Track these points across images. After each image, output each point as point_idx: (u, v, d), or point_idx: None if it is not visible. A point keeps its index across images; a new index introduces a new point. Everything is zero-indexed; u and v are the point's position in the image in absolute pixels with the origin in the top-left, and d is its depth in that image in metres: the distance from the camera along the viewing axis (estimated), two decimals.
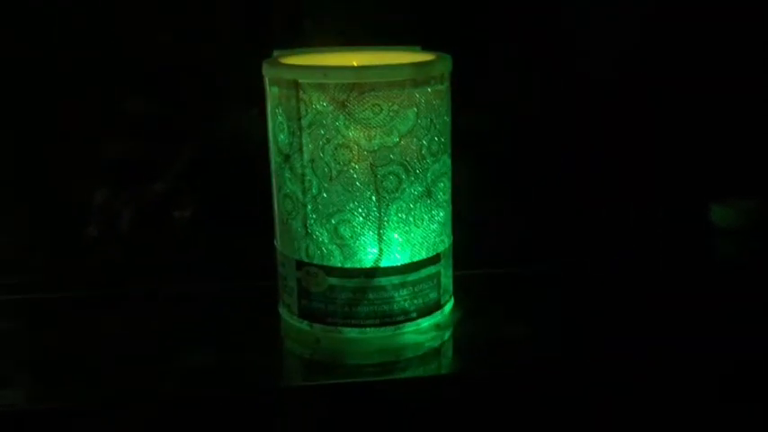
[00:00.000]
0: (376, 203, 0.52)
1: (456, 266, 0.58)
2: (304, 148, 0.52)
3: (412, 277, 0.54)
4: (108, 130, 0.69)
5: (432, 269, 0.55)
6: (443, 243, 0.56)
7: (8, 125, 0.68)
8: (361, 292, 0.53)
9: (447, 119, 0.54)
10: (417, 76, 0.51)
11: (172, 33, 0.68)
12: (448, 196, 0.56)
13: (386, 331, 0.54)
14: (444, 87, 0.53)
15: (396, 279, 0.53)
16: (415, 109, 0.51)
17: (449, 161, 0.55)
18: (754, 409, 0.54)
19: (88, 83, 0.67)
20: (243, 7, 0.68)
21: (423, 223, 0.54)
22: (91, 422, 0.51)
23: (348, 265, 0.53)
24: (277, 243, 0.57)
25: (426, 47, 0.58)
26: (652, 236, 0.72)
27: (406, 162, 0.52)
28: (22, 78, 0.67)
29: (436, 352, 0.55)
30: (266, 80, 0.54)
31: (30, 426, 0.50)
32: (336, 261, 0.53)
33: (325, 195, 0.52)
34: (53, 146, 0.68)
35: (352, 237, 0.53)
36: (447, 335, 0.57)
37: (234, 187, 0.69)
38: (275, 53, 0.57)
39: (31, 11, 0.66)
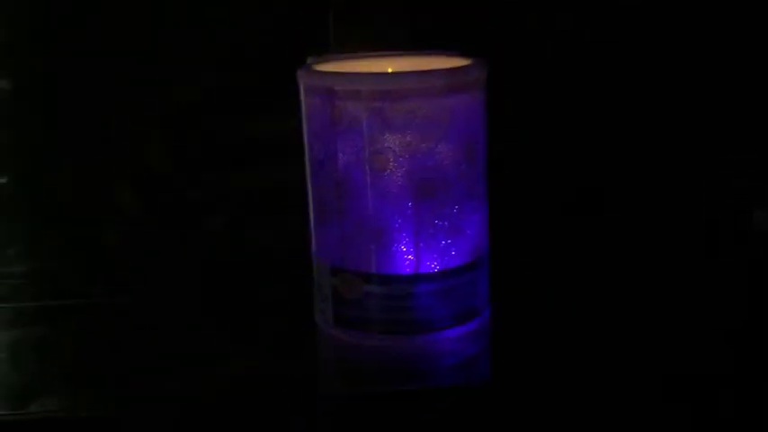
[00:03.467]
0: (412, 210, 0.52)
1: (495, 273, 0.57)
2: (339, 155, 0.52)
3: (450, 284, 0.53)
4: (138, 132, 0.69)
5: (469, 276, 0.54)
6: (481, 249, 0.55)
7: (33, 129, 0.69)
8: (397, 300, 0.53)
9: (484, 123, 0.54)
10: (453, 81, 0.51)
11: (199, 42, 0.68)
12: (486, 201, 0.55)
13: (423, 339, 0.54)
14: (480, 92, 0.53)
15: (433, 286, 0.53)
16: (451, 114, 0.51)
17: (485, 167, 0.55)
18: None
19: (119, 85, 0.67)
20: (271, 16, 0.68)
21: (461, 229, 0.53)
22: (128, 429, 0.51)
23: (384, 272, 0.53)
24: (312, 250, 0.56)
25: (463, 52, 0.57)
26: (694, 241, 0.70)
27: (442, 168, 0.51)
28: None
29: (474, 360, 0.55)
30: (301, 88, 0.54)
31: None
32: (372, 268, 0.53)
33: (361, 202, 0.52)
34: (82, 152, 0.68)
35: (388, 244, 0.52)
36: (485, 342, 0.56)
37: (267, 195, 0.69)
38: (309, 60, 0.57)
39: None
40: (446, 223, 0.53)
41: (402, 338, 0.53)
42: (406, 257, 0.53)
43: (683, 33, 0.69)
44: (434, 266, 0.53)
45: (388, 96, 0.50)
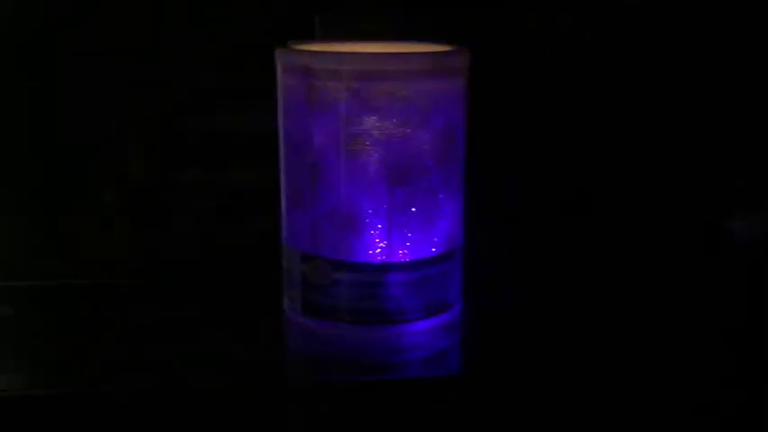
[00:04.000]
0: (387, 196, 0.50)
1: (467, 265, 0.56)
2: (315, 137, 0.51)
3: (421, 274, 0.52)
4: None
5: (442, 267, 0.53)
6: (456, 241, 0.54)
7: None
8: (368, 288, 0.52)
9: (464, 112, 0.53)
10: (434, 66, 0.50)
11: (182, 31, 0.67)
12: (462, 192, 0.54)
13: (392, 329, 0.52)
14: (462, 80, 0.52)
15: (404, 276, 0.52)
16: (432, 100, 0.50)
17: (464, 155, 0.54)
18: None
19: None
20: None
21: (435, 219, 0.52)
22: (91, 410, 0.50)
23: (355, 260, 0.51)
24: (283, 235, 0.55)
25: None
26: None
27: (419, 154, 0.50)
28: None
29: (443, 353, 0.53)
30: (278, 66, 0.53)
31: (33, 412, 0.49)
32: (343, 255, 0.51)
33: (334, 186, 0.51)
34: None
35: (360, 230, 0.51)
36: (455, 336, 0.55)
37: (238, 179, 0.68)
38: (289, 43, 0.56)
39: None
40: (420, 212, 0.51)
41: (371, 328, 0.52)
42: (378, 245, 0.51)
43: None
44: (406, 255, 0.52)
45: (367, 77, 0.49)
